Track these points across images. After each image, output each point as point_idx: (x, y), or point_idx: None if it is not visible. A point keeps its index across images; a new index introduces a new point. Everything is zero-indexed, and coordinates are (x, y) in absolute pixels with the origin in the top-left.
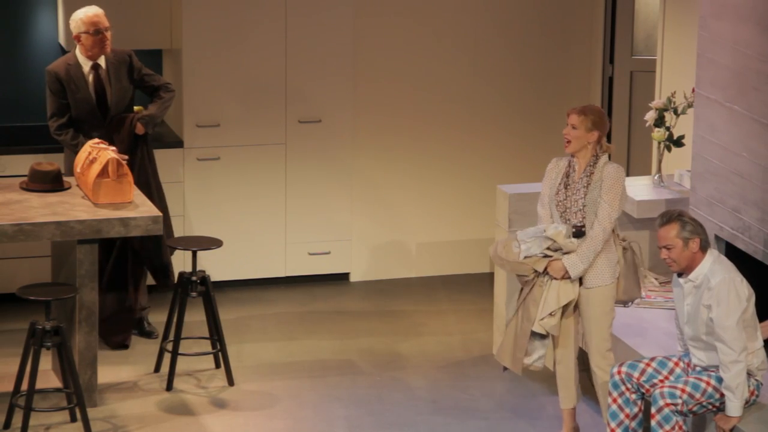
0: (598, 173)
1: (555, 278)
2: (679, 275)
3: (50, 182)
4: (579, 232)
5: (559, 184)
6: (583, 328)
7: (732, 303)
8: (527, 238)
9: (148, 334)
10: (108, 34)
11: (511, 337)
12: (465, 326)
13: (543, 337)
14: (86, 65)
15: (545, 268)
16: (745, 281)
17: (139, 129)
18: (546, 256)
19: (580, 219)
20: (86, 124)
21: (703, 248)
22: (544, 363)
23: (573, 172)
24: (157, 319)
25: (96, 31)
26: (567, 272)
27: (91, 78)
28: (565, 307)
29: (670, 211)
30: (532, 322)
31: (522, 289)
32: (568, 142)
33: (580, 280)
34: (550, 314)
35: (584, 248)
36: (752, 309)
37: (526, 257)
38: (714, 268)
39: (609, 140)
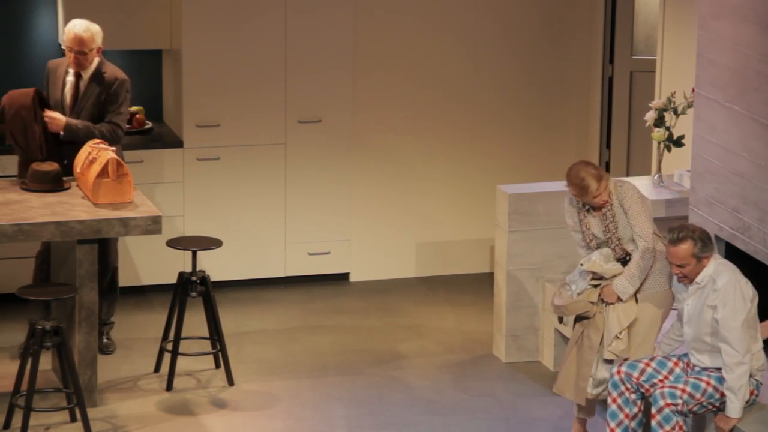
0: (616, 202)
1: (610, 303)
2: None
3: (50, 182)
4: (626, 262)
5: (581, 223)
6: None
7: (738, 304)
8: (574, 278)
9: (101, 349)
10: (82, 58)
11: (572, 368)
12: (465, 326)
13: (609, 363)
14: (72, 70)
15: (599, 296)
16: (749, 282)
17: (53, 126)
18: (595, 286)
19: (621, 252)
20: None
21: (710, 257)
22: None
23: (591, 216)
24: (157, 318)
25: (69, 49)
26: (618, 296)
27: (70, 83)
28: (629, 328)
29: (678, 227)
30: (594, 350)
31: (576, 320)
32: (605, 203)
33: (636, 298)
34: (617, 337)
35: (632, 269)
36: (755, 310)
37: (578, 294)
38: (719, 269)
39: (609, 140)
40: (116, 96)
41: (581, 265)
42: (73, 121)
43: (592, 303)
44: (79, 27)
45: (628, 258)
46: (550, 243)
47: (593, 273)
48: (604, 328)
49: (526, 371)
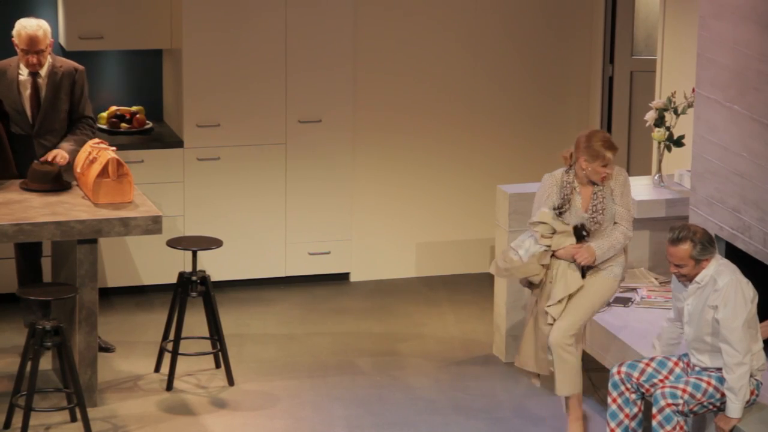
0: (610, 184)
1: (577, 261)
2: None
3: (50, 182)
4: (580, 234)
5: (562, 199)
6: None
7: (739, 304)
8: (521, 243)
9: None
10: (38, 57)
11: (530, 341)
12: (465, 326)
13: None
14: (25, 71)
15: (553, 255)
16: (749, 282)
17: (61, 161)
18: (546, 250)
19: (597, 227)
20: (15, 125)
21: (710, 259)
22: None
23: (571, 188)
24: (157, 318)
25: (24, 51)
26: (595, 257)
27: (28, 84)
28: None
29: (679, 227)
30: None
31: (532, 294)
32: (607, 177)
33: (584, 273)
34: (559, 302)
35: (613, 242)
36: (755, 310)
37: (530, 257)
38: (720, 269)
39: None
40: (81, 88)
41: (529, 222)
42: (70, 146)
43: (543, 266)
44: (30, 27)
45: (583, 234)
46: None
47: (542, 225)
48: (551, 291)
49: (526, 371)
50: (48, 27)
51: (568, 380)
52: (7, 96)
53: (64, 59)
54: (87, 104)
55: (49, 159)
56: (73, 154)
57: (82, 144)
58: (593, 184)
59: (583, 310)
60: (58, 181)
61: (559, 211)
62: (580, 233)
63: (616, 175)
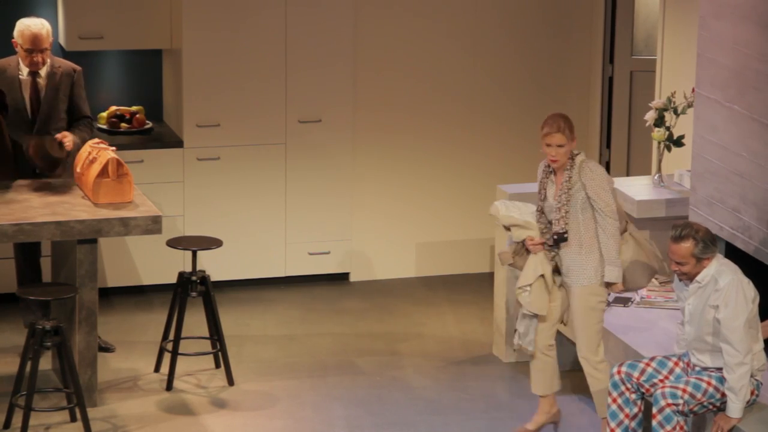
0: (576, 176)
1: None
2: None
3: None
4: (561, 239)
5: (541, 183)
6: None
7: (739, 304)
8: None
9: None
10: (43, 56)
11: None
12: (465, 326)
13: (532, 318)
14: (24, 70)
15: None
16: (750, 282)
17: (68, 146)
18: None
19: (563, 226)
20: (14, 126)
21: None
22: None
23: (549, 180)
24: (157, 319)
25: (29, 50)
26: (618, 284)
27: (29, 84)
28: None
29: (682, 225)
30: (519, 306)
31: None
32: (557, 161)
33: (559, 270)
34: (527, 288)
35: (608, 252)
36: (756, 310)
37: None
38: (721, 269)
39: (609, 140)
40: (80, 88)
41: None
42: (75, 138)
43: (517, 255)
44: (35, 26)
45: (564, 237)
46: None
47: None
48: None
49: (526, 371)
50: (50, 26)
51: (601, 400)
52: (7, 95)
53: (62, 60)
54: (85, 104)
55: (60, 138)
56: (76, 146)
57: (82, 140)
58: (565, 171)
59: (586, 330)
60: (55, 165)
61: (544, 197)
62: (562, 238)
63: (589, 170)
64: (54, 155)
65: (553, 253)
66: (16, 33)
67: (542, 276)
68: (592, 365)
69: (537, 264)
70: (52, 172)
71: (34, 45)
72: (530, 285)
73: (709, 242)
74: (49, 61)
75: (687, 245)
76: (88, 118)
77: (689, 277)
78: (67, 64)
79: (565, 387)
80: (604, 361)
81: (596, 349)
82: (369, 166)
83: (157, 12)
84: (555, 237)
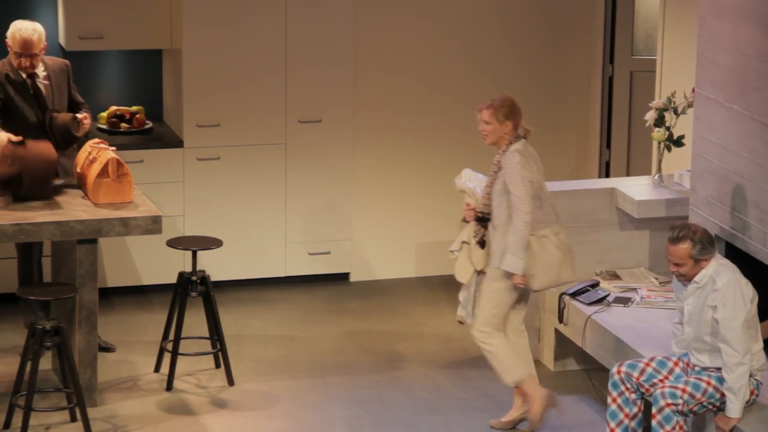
0: (503, 161)
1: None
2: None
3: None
4: (483, 219)
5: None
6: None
7: (738, 304)
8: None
9: None
10: (32, 60)
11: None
12: (465, 326)
13: (468, 288)
14: (23, 72)
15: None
16: (749, 283)
17: (86, 127)
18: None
19: (484, 206)
20: (21, 130)
21: (709, 259)
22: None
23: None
24: (157, 318)
25: (17, 54)
26: (517, 276)
27: (29, 86)
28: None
29: (680, 226)
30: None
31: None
32: (486, 137)
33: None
34: (456, 253)
35: (512, 243)
36: (755, 310)
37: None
38: (719, 269)
39: (609, 140)
40: (73, 80)
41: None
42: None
43: (465, 242)
44: (25, 30)
45: (486, 218)
46: None
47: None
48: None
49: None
50: (43, 30)
51: (503, 369)
52: (15, 98)
53: (50, 57)
54: (77, 92)
55: (81, 119)
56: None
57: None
58: (497, 155)
59: (481, 306)
60: (70, 143)
61: (481, 215)
62: (484, 218)
63: (508, 158)
64: (74, 134)
65: (483, 229)
66: (8, 34)
67: (468, 244)
68: (478, 340)
69: (468, 232)
70: (65, 150)
71: (23, 49)
72: (458, 251)
73: (706, 243)
74: (41, 63)
75: (684, 246)
76: (84, 104)
77: (687, 278)
78: (57, 61)
79: (566, 387)
80: (488, 333)
81: (483, 326)
82: (369, 166)
83: (157, 12)
84: (479, 215)
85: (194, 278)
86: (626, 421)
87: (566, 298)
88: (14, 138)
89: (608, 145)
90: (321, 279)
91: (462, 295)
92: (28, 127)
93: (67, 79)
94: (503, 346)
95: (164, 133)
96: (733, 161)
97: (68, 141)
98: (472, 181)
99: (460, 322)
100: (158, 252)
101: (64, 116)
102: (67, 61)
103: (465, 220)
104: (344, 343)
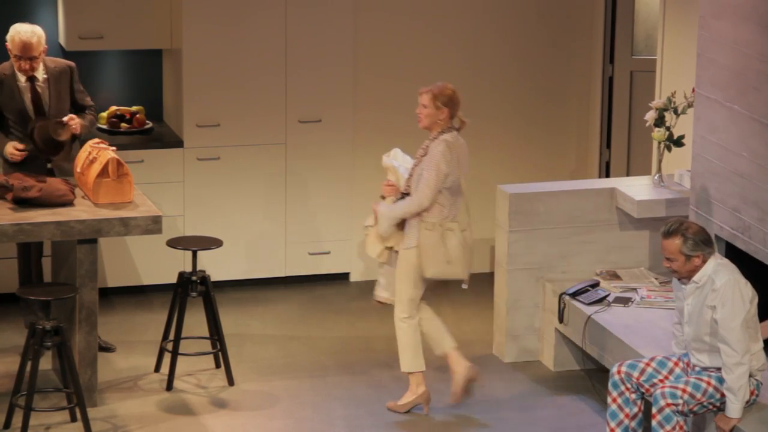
0: (430, 149)
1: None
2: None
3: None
4: (404, 198)
5: None
6: None
7: (737, 304)
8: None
9: None
10: (31, 63)
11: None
12: (465, 326)
13: (385, 265)
14: (22, 77)
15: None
16: (748, 283)
17: (75, 128)
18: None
19: (406, 187)
20: (19, 131)
21: (705, 259)
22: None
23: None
24: (157, 319)
25: (17, 56)
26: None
27: (28, 90)
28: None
29: (674, 221)
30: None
31: None
32: (420, 119)
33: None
34: (369, 227)
35: (397, 207)
36: (755, 310)
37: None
38: (718, 269)
39: (609, 140)
40: (78, 83)
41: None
42: (83, 122)
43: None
44: (25, 33)
45: (403, 197)
46: (550, 243)
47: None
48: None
49: (526, 371)
50: (42, 33)
51: (404, 357)
52: (8, 103)
53: (54, 59)
54: (87, 96)
55: (66, 120)
56: (84, 129)
57: (90, 123)
58: (427, 140)
59: (397, 286)
60: (58, 149)
61: (402, 196)
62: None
63: (433, 146)
64: (56, 138)
65: None
66: (8, 37)
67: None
68: (396, 320)
69: (373, 238)
70: (54, 156)
71: (23, 52)
72: (372, 226)
73: (699, 241)
74: (42, 65)
75: (675, 242)
76: (91, 107)
77: (681, 275)
78: (61, 63)
79: (566, 387)
80: (408, 318)
81: (400, 308)
82: (369, 166)
83: (157, 12)
84: (402, 195)
85: (194, 278)
86: (626, 421)
87: (566, 298)
88: (19, 146)
89: (608, 145)
90: (321, 279)
91: (382, 278)
92: (26, 131)
93: (70, 82)
94: (428, 321)
95: (164, 133)
96: (734, 161)
97: (55, 147)
98: (398, 161)
99: (380, 303)
100: (158, 252)
101: (43, 124)
102: (71, 63)
103: (383, 197)
104: (344, 343)
